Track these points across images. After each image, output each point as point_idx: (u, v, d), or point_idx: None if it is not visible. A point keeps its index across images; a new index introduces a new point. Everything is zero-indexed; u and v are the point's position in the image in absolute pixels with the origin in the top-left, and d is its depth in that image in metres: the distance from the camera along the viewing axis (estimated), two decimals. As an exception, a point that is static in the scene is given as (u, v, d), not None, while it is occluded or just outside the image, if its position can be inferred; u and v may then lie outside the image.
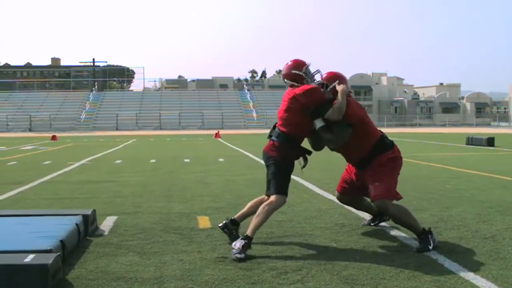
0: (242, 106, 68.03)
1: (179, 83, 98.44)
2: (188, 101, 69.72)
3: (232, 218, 5.64)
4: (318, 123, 5.46)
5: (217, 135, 35.13)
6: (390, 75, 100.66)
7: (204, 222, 6.46)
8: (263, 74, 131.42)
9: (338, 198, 6.20)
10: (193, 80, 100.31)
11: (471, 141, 23.42)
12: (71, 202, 8.20)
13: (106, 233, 5.92)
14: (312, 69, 5.69)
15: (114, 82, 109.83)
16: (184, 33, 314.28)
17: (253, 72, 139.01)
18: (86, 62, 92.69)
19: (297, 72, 5.57)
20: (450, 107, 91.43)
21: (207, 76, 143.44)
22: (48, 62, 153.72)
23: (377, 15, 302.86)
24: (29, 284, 3.86)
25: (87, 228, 5.73)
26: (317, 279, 4.27)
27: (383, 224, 6.28)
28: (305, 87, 5.45)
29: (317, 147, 5.72)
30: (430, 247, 5.18)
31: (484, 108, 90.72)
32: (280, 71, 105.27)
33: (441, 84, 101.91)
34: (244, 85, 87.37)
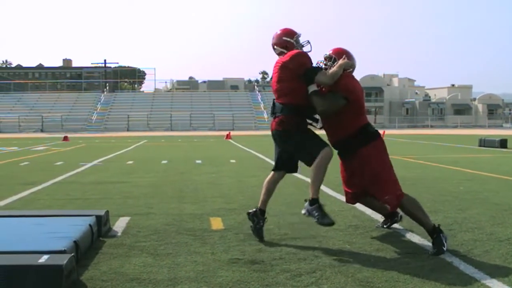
0: (253, 107, 68.08)
1: (190, 84, 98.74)
2: (199, 102, 69.86)
3: (260, 210, 5.70)
4: (311, 88, 5.41)
5: (228, 136, 35.15)
6: (402, 76, 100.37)
7: (216, 223, 6.44)
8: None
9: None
10: (204, 81, 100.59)
11: (484, 143, 23.29)
12: (83, 202, 8.21)
13: (119, 234, 5.92)
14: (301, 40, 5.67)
15: (125, 83, 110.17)
16: (195, 34, 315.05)
17: (264, 73, 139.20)
18: (97, 63, 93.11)
19: (289, 39, 5.56)
20: (461, 109, 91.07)
21: (218, 77, 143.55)
22: (59, 63, 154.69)
23: (388, 16, 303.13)
24: (43, 284, 3.85)
25: (100, 229, 5.73)
26: (332, 282, 4.24)
27: (396, 226, 6.24)
28: (292, 52, 5.45)
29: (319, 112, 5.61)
30: (445, 248, 5.13)
31: (496, 110, 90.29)
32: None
33: (453, 85, 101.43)
34: (255, 86, 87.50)
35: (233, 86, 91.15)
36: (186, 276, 4.38)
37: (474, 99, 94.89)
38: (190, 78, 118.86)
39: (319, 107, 5.42)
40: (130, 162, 16.10)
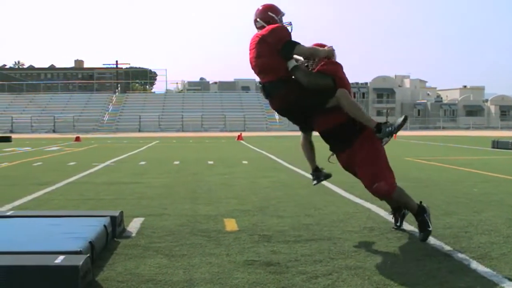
0: (264, 108, 68.05)
1: (201, 85, 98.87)
2: (210, 103, 69.96)
3: (314, 168, 5.90)
4: (291, 64, 5.32)
5: (239, 137, 35.16)
6: (413, 77, 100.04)
7: (231, 224, 6.42)
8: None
9: None
10: (215, 82, 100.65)
11: (497, 144, 23.14)
12: (97, 203, 8.22)
13: (133, 234, 5.91)
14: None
15: (137, 84, 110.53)
16: (206, 35, 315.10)
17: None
18: (109, 64, 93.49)
19: (274, 15, 5.48)
20: (474, 110, 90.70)
21: (229, 78, 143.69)
22: (71, 64, 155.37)
23: (400, 16, 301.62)
24: (59, 285, 3.85)
25: (115, 229, 5.72)
26: (348, 284, 4.21)
27: (411, 228, 6.19)
28: (271, 26, 5.35)
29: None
30: (430, 229, 5.35)
31: (509, 111, 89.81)
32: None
33: (465, 86, 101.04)
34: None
35: (244, 87, 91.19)
36: (201, 277, 4.36)
37: (487, 100, 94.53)
38: (201, 79, 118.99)
39: (304, 79, 5.33)
40: (143, 162, 16.13)
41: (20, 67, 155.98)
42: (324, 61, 5.51)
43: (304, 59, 5.56)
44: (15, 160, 17.30)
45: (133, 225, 6.38)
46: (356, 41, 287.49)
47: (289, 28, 5.50)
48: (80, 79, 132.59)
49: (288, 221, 6.58)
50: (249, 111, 65.99)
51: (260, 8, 5.57)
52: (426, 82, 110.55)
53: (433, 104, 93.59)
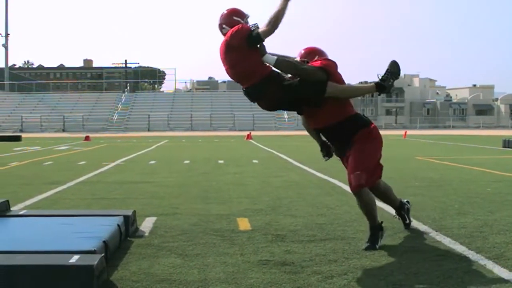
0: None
1: (210, 84, 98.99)
2: (219, 102, 69.97)
3: (322, 144, 5.71)
4: (271, 59, 5.08)
5: (249, 136, 35.13)
6: (422, 76, 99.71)
7: (244, 224, 6.40)
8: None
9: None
10: (224, 82, 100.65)
11: (508, 144, 22.98)
12: (109, 202, 8.22)
13: (146, 234, 5.90)
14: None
15: (145, 84, 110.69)
16: (214, 34, 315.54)
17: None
18: (118, 64, 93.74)
19: (239, 19, 5.23)
20: (483, 109, 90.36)
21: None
22: (80, 63, 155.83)
23: (408, 15, 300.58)
24: (74, 285, 3.84)
25: (128, 229, 5.71)
26: (364, 284, 4.18)
27: (425, 227, 6.16)
28: (232, 29, 5.14)
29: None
30: (377, 246, 5.22)
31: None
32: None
33: (474, 85, 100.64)
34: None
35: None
36: (216, 277, 4.34)
37: (496, 99, 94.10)
38: (210, 78, 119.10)
39: (292, 70, 5.19)
40: (153, 162, 16.13)
41: (30, 66, 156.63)
42: (319, 59, 5.43)
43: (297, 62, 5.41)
44: (26, 159, 17.35)
45: (146, 225, 6.37)
46: (365, 40, 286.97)
47: (255, 31, 5.21)
48: (89, 78, 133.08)
49: (301, 220, 6.55)
50: (258, 110, 65.45)
51: (225, 12, 5.34)
52: (435, 81, 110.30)
53: (442, 103, 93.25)
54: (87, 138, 33.97)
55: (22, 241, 4.78)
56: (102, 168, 13.95)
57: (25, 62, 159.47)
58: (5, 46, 76.68)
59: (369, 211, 5.37)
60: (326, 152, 5.77)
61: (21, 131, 54.61)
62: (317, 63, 5.33)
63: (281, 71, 5.21)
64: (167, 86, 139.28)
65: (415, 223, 6.38)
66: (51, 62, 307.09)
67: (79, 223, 5.48)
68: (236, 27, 5.13)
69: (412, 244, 5.44)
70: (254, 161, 16.17)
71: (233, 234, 5.87)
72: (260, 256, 4.95)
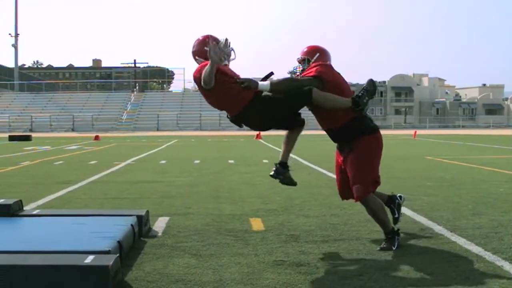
0: (282, 107, 67.93)
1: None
2: (228, 102, 69.92)
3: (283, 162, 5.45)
4: (264, 86, 4.89)
5: (258, 136, 35.10)
6: (432, 76, 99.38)
7: (257, 224, 6.38)
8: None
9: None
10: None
11: (519, 143, 22.87)
12: (121, 202, 8.22)
13: (159, 234, 5.89)
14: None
15: (154, 83, 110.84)
16: (222, 34, 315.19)
17: (292, 73, 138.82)
18: (127, 64, 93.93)
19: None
20: (493, 109, 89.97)
21: (247, 76, 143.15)
22: (89, 63, 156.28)
23: (418, 14, 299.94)
24: (90, 285, 3.82)
25: (141, 229, 5.70)
26: (380, 285, 4.15)
27: (440, 228, 6.11)
28: (198, 67, 5.00)
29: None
30: (394, 248, 5.16)
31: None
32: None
33: (484, 85, 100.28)
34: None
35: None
36: (231, 278, 4.32)
37: (506, 99, 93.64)
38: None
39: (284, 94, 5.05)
40: (163, 161, 16.13)
41: (39, 66, 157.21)
42: (314, 64, 5.31)
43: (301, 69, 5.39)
44: (36, 158, 17.40)
45: (159, 225, 6.36)
46: (375, 40, 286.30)
47: (232, 54, 5.03)
48: (98, 78, 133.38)
49: (314, 220, 6.53)
50: (267, 110, 65.94)
51: (196, 42, 5.16)
52: (444, 80, 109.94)
53: (451, 102, 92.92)
54: (96, 137, 34.01)
55: (37, 241, 4.77)
56: (113, 167, 13.96)
57: (34, 62, 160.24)
58: (15, 46, 76.93)
59: (379, 218, 5.33)
60: (277, 171, 5.52)
61: (31, 130, 54.81)
62: (311, 71, 5.23)
63: (278, 93, 5.02)
64: (175, 86, 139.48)
65: (429, 223, 6.35)
66: (60, 62, 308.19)
67: (92, 223, 5.47)
68: (202, 67, 4.94)
69: (427, 245, 5.40)
70: (264, 160, 16.13)
71: (247, 234, 5.85)
72: (275, 257, 4.92)
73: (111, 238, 4.72)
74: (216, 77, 4.79)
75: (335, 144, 5.55)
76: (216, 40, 4.89)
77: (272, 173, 5.37)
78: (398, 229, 5.38)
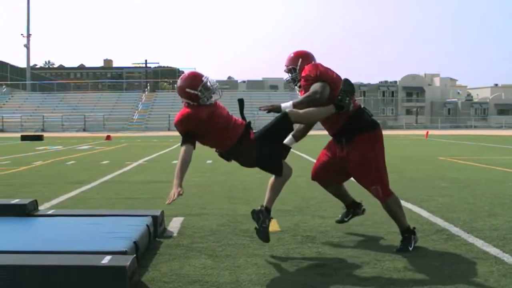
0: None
1: (230, 84, 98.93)
2: (239, 102, 69.90)
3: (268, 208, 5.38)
4: (287, 106, 5.08)
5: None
6: (443, 76, 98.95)
7: (272, 224, 6.26)
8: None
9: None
10: (244, 81, 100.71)
11: (533, 144, 22.69)
12: (134, 202, 8.20)
13: (174, 234, 5.87)
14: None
15: (165, 83, 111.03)
16: (233, 34, 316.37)
17: (288, 82, 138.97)
18: (138, 64, 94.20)
19: (192, 91, 4.90)
20: (505, 109, 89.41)
21: (256, 77, 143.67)
22: (100, 63, 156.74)
23: (429, 13, 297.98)
24: (107, 286, 3.81)
25: (157, 229, 5.69)
26: (399, 287, 4.10)
27: (456, 229, 6.05)
28: (179, 115, 4.99)
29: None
30: (410, 248, 5.13)
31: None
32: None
33: (496, 85, 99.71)
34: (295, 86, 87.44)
35: (272, 86, 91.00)
36: (248, 279, 4.29)
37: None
38: (229, 78, 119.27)
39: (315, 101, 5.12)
40: (175, 161, 16.04)
41: (50, 66, 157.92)
42: (306, 68, 5.33)
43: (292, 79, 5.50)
44: (48, 158, 17.44)
45: (173, 225, 6.34)
46: (386, 39, 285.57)
47: (217, 93, 5.07)
48: (109, 78, 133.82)
49: (330, 221, 6.48)
50: (278, 110, 65.90)
51: (180, 83, 5.04)
52: (456, 80, 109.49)
53: (463, 102, 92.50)
54: (108, 137, 34.06)
55: (53, 241, 4.75)
56: (125, 167, 13.97)
57: (46, 62, 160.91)
58: (27, 46, 77.27)
59: (395, 214, 5.33)
60: (258, 216, 5.38)
61: (43, 130, 55.02)
62: (311, 77, 5.24)
63: (302, 106, 5.11)
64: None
65: (445, 225, 6.29)
66: (71, 62, 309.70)
67: (108, 223, 5.45)
68: (184, 116, 4.99)
69: (444, 246, 5.35)
70: (277, 161, 16.06)
71: (262, 235, 5.80)
72: (292, 258, 4.89)
73: (127, 238, 4.70)
74: (211, 125, 4.96)
75: None
76: (195, 83, 4.93)
77: (252, 213, 5.18)
78: (414, 228, 5.35)
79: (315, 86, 5.15)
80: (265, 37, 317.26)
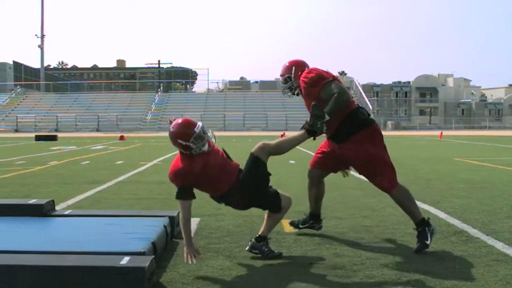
0: (306, 108, 67.72)
1: (242, 84, 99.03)
2: (252, 102, 69.91)
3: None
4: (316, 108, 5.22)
5: (282, 136, 35.00)
6: (457, 76, 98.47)
7: (289, 226, 6.30)
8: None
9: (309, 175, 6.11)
10: (256, 82, 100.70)
11: (549, 145, 22.50)
12: (150, 202, 8.20)
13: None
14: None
15: (178, 84, 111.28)
16: (245, 35, 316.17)
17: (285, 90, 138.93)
18: (151, 64, 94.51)
19: (184, 143, 4.76)
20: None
21: (269, 77, 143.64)
22: (113, 64, 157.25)
23: (442, 13, 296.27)
24: (125, 286, 3.80)
25: (173, 230, 5.67)
26: (419, 289, 4.07)
27: (475, 231, 5.99)
28: (172, 169, 4.87)
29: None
30: (428, 242, 5.08)
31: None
32: (342, 72, 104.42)
33: (510, 85, 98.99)
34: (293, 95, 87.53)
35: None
36: (266, 280, 4.27)
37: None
38: (241, 78, 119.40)
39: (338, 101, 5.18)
40: (189, 162, 16.08)
41: (64, 67, 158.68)
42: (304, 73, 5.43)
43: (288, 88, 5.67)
44: (63, 158, 17.51)
45: (190, 226, 6.31)
46: (399, 39, 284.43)
47: (205, 147, 4.90)
48: (122, 78, 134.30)
49: (347, 222, 6.45)
50: (291, 111, 65.65)
51: (173, 131, 4.85)
52: (470, 80, 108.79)
53: (477, 103, 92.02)
54: (121, 137, 34.17)
55: (71, 242, 4.75)
56: (140, 167, 14.00)
57: (59, 62, 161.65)
58: (41, 47, 77.74)
59: (407, 207, 5.34)
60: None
61: (56, 130, 55.30)
62: (304, 77, 5.39)
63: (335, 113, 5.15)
64: (198, 86, 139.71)
65: (464, 226, 6.24)
66: (85, 62, 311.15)
67: (125, 224, 5.45)
68: (176, 173, 4.85)
69: (464, 248, 5.30)
70: (291, 161, 16.07)
71: (279, 236, 5.80)
72: (310, 259, 4.86)
73: (145, 239, 4.70)
74: (204, 177, 4.85)
75: None
76: (187, 134, 4.79)
77: (247, 248, 5.10)
78: (428, 218, 5.32)
79: (328, 90, 5.19)
80: (278, 37, 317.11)
